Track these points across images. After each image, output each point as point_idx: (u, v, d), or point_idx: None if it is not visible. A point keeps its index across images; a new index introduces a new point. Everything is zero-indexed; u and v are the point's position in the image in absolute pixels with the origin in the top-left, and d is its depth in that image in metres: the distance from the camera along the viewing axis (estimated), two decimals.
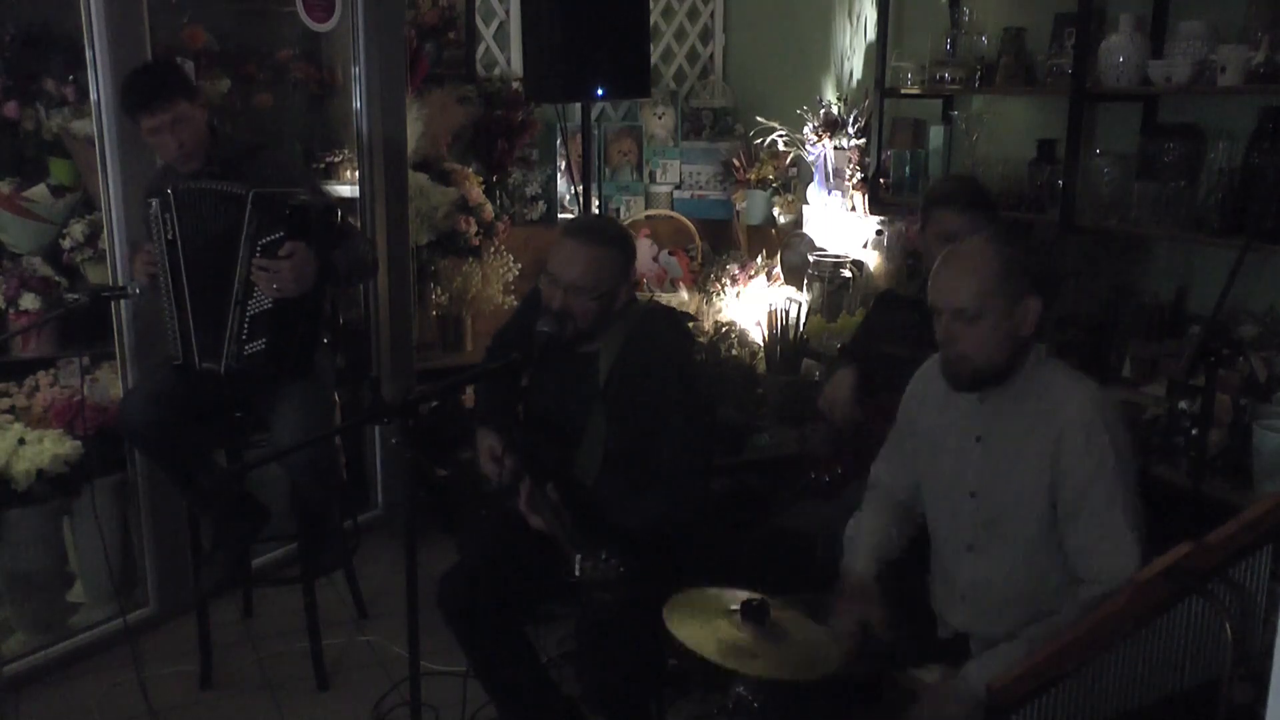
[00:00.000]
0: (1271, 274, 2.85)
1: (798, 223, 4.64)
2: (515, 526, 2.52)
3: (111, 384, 3.39)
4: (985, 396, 2.12)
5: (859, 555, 2.28)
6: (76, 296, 3.41)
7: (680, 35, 5.22)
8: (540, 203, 4.85)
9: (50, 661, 3.15)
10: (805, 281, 4.37)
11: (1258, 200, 2.66)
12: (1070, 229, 3.17)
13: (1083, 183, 3.16)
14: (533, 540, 2.42)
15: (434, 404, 3.72)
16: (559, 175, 4.87)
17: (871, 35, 4.21)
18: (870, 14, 4.26)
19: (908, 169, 3.94)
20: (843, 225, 4.38)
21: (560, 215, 4.91)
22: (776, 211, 4.77)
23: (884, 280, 4.17)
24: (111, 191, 3.13)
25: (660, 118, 5.11)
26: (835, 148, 4.37)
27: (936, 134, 3.92)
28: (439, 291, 4.36)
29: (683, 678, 2.69)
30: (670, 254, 4.92)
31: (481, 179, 4.49)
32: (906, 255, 4.02)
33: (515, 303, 4.36)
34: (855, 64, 4.44)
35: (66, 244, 3.44)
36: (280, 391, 2.97)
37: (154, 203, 2.87)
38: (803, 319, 4.17)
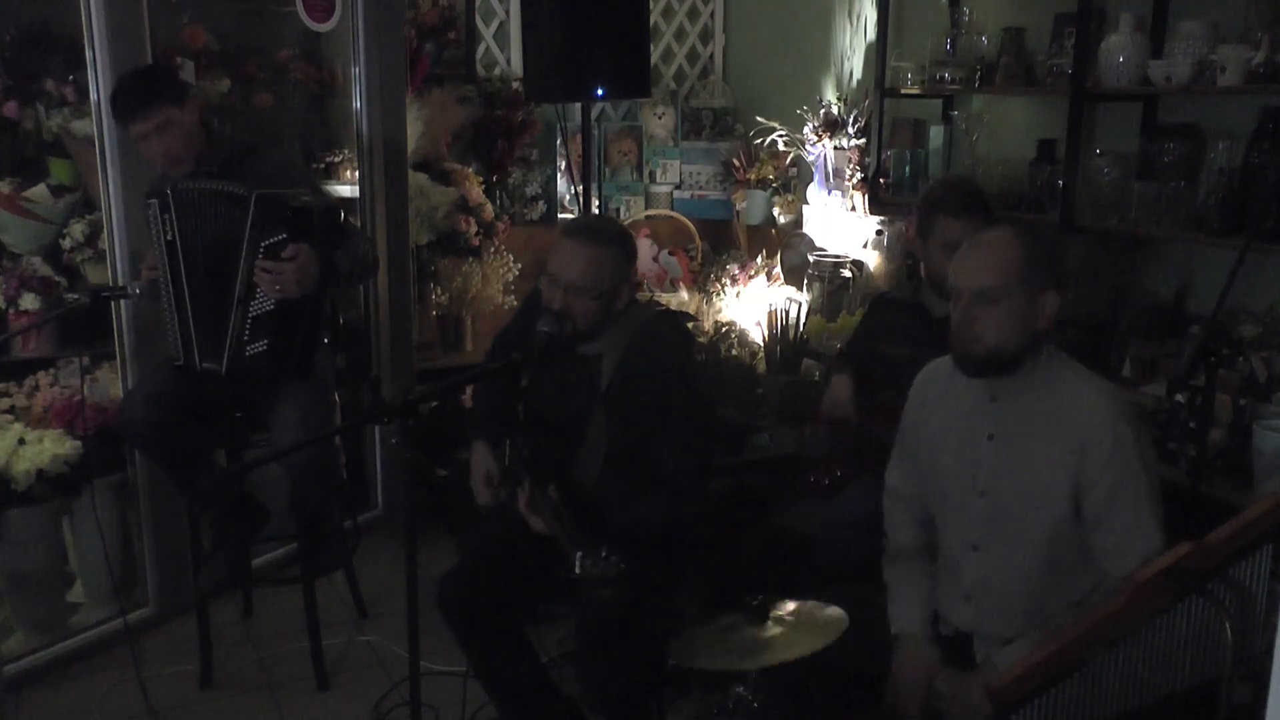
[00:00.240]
0: (1271, 274, 2.85)
1: (798, 223, 4.64)
2: (515, 526, 2.52)
3: (111, 384, 3.39)
4: (997, 394, 2.11)
5: (910, 614, 2.21)
6: (76, 296, 3.41)
7: (680, 35, 5.22)
8: (540, 203, 4.85)
9: (50, 661, 3.15)
10: (805, 281, 4.37)
11: (1258, 200, 2.66)
12: (1070, 229, 3.17)
13: (1083, 183, 3.16)
14: (533, 540, 2.42)
15: (434, 404, 3.72)
16: (559, 175, 4.87)
17: (871, 35, 4.21)
18: (870, 14, 4.26)
19: (908, 169, 3.94)
20: (843, 225, 4.38)
21: (560, 215, 4.91)
22: (776, 211, 4.77)
23: (884, 280, 4.17)
24: (111, 191, 3.13)
25: (660, 118, 5.11)
26: (835, 148, 4.37)
27: (936, 134, 3.92)
28: (439, 291, 4.36)
29: (683, 678, 2.69)
30: (670, 254, 4.92)
31: (481, 179, 4.49)
32: (906, 255, 4.02)
33: (515, 303, 4.36)
34: (855, 64, 4.44)
35: (66, 244, 3.44)
36: (280, 392, 2.97)
37: (153, 203, 2.87)
38: (803, 319, 4.17)
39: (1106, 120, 3.29)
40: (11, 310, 3.41)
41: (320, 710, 3.03)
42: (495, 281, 4.38)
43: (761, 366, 4.27)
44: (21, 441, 3.14)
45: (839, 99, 4.46)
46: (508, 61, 4.84)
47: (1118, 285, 3.21)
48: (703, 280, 4.74)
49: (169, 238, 2.88)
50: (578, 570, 2.09)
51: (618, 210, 5.05)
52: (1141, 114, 3.15)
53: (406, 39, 4.10)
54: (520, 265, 4.46)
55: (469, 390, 3.22)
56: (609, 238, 2.43)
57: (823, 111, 4.41)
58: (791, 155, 4.65)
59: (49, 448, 3.14)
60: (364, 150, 3.87)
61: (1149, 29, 3.03)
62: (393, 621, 3.44)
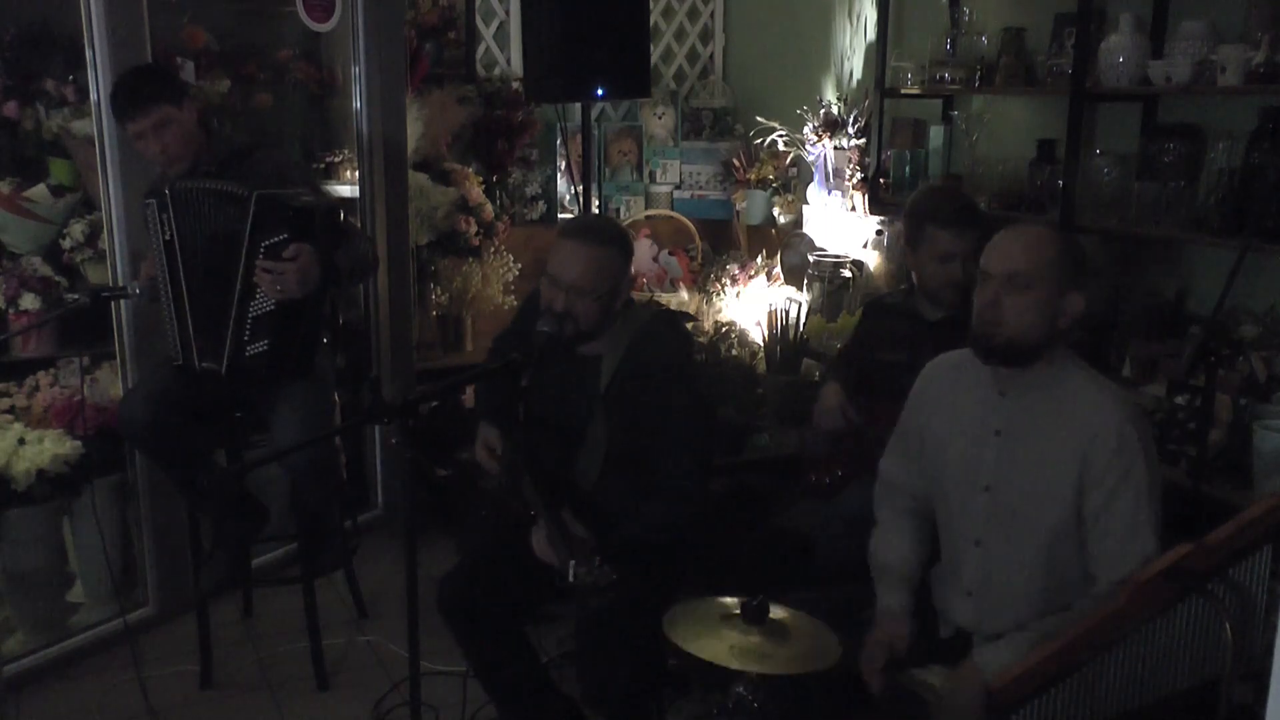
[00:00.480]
0: (1271, 274, 2.85)
1: (798, 223, 4.64)
2: (515, 527, 2.52)
3: (111, 384, 3.39)
4: (1006, 389, 2.11)
5: (891, 588, 2.24)
6: (76, 296, 3.41)
7: (680, 35, 5.22)
8: (540, 203, 4.85)
9: (50, 661, 3.15)
10: (805, 281, 4.37)
11: (1258, 200, 2.66)
12: (1070, 229, 3.16)
13: (1083, 183, 3.16)
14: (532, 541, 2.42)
15: (434, 404, 3.72)
16: (559, 175, 4.87)
17: (871, 35, 4.21)
18: (870, 14, 4.26)
19: (908, 169, 3.94)
20: (843, 225, 4.38)
21: (560, 215, 4.91)
22: (776, 211, 4.77)
23: (884, 280, 4.17)
24: (111, 191, 3.14)
25: (660, 118, 5.11)
26: (835, 148, 4.37)
27: (936, 134, 3.92)
28: (439, 291, 4.36)
29: (683, 678, 2.69)
30: (670, 254, 4.92)
31: (481, 179, 4.49)
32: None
33: (515, 303, 4.36)
34: (855, 64, 4.44)
35: (66, 244, 3.44)
36: (280, 392, 2.97)
37: (151, 203, 2.87)
38: (803, 319, 4.17)
39: (1106, 120, 3.29)
40: (11, 310, 3.41)
41: (320, 710, 3.03)
42: (495, 281, 4.39)
43: (761, 366, 4.27)
44: (21, 441, 3.14)
45: (839, 99, 4.46)
46: (508, 61, 4.84)
47: (1117, 285, 3.21)
48: (703, 280, 4.74)
49: (167, 237, 2.88)
50: (571, 578, 2.10)
51: (618, 210, 5.05)
52: (1141, 114, 3.15)
53: (406, 39, 4.10)
54: (520, 265, 4.46)
55: (469, 390, 3.23)
56: (608, 238, 2.43)
57: (823, 111, 4.41)
58: (791, 155, 4.65)
59: (49, 448, 3.14)
60: (364, 150, 3.87)
61: (1149, 29, 3.03)
62: (393, 621, 3.44)
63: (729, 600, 2.03)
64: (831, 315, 4.21)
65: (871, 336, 3.03)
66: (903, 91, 3.87)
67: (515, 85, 4.60)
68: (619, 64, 3.52)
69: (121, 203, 3.13)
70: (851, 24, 4.45)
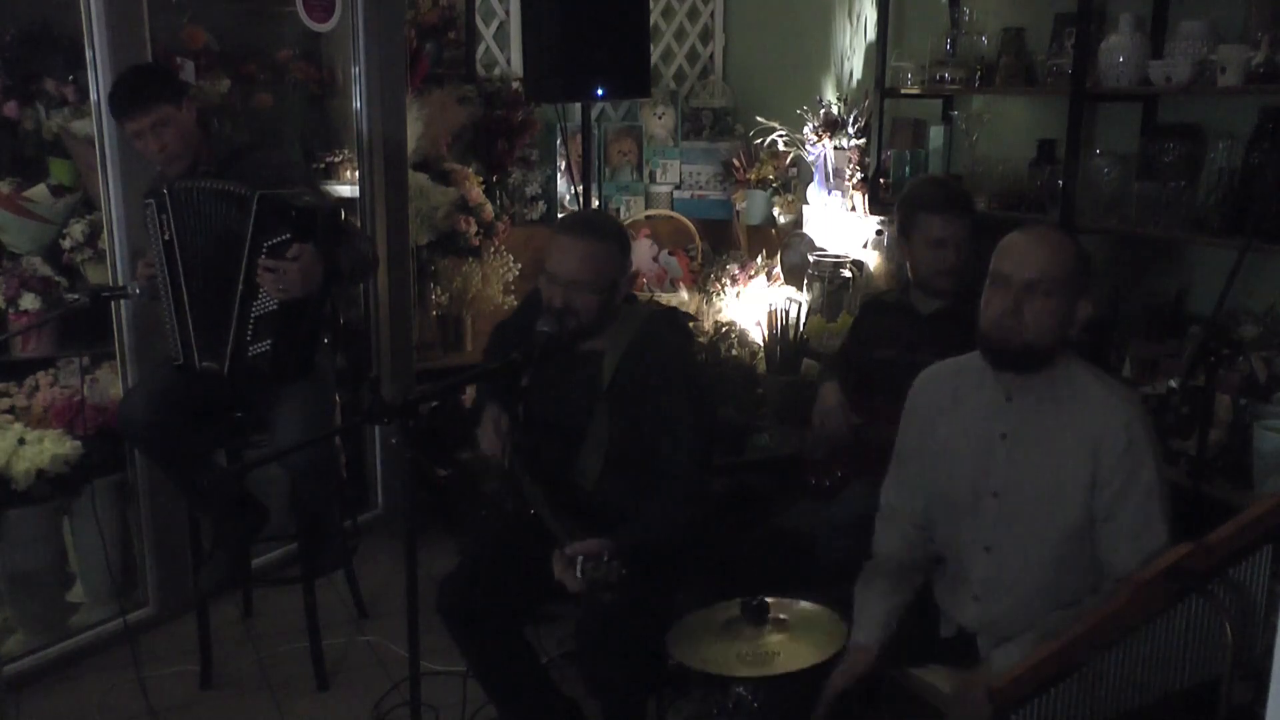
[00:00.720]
0: (1271, 274, 2.85)
1: (798, 223, 4.64)
2: (515, 527, 2.52)
3: (111, 384, 3.39)
4: (1013, 394, 2.11)
5: (865, 625, 2.18)
6: (76, 296, 3.41)
7: (680, 35, 5.22)
8: (540, 203, 4.85)
9: (50, 661, 3.15)
10: (805, 281, 4.37)
11: (1258, 200, 2.66)
12: (1070, 229, 3.16)
13: (1083, 183, 3.16)
14: (533, 541, 2.42)
15: (434, 404, 3.72)
16: (559, 175, 4.87)
17: (871, 35, 4.21)
18: (870, 14, 4.26)
19: (908, 169, 3.94)
20: (843, 225, 4.38)
21: (560, 215, 4.91)
22: (776, 211, 4.77)
23: (884, 280, 4.17)
24: (111, 191, 3.14)
25: (660, 118, 5.11)
26: (835, 148, 4.37)
27: (936, 134, 3.92)
28: (439, 291, 4.36)
29: (683, 678, 2.69)
30: (670, 254, 4.92)
31: (481, 179, 4.49)
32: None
33: (515, 303, 4.36)
34: (855, 64, 4.44)
35: (66, 244, 3.44)
36: (282, 392, 2.97)
37: (150, 203, 2.87)
38: (803, 319, 4.17)
39: (1106, 120, 3.29)
40: (11, 310, 3.41)
41: (320, 710, 3.03)
42: (495, 281, 4.38)
43: (761, 366, 4.27)
44: (21, 441, 3.14)
45: (839, 99, 4.46)
46: (508, 61, 4.84)
47: (1117, 285, 3.21)
48: (703, 280, 4.73)
49: (166, 238, 2.88)
50: (579, 575, 2.09)
51: (618, 210, 5.05)
52: (1141, 114, 3.15)
53: (406, 39, 4.10)
54: (520, 265, 4.46)
55: (469, 390, 3.23)
56: (604, 232, 2.43)
57: (823, 111, 4.41)
58: (791, 155, 4.65)
59: (49, 448, 3.14)
60: (364, 150, 3.87)
61: (1149, 29, 3.03)
62: (393, 621, 3.44)
63: (729, 605, 2.02)
64: (831, 315, 4.21)
65: (868, 334, 3.04)
66: (903, 91, 3.87)
67: (515, 85, 4.60)
68: (619, 64, 3.52)
69: (121, 203, 3.13)
70: (851, 24, 4.45)
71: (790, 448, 3.70)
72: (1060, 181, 3.19)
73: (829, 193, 4.43)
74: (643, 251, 4.83)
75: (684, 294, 4.69)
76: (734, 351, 4.40)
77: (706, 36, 5.27)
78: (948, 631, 2.24)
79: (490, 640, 2.44)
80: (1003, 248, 2.08)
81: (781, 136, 4.60)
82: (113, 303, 3.15)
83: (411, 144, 4.08)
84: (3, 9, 3.44)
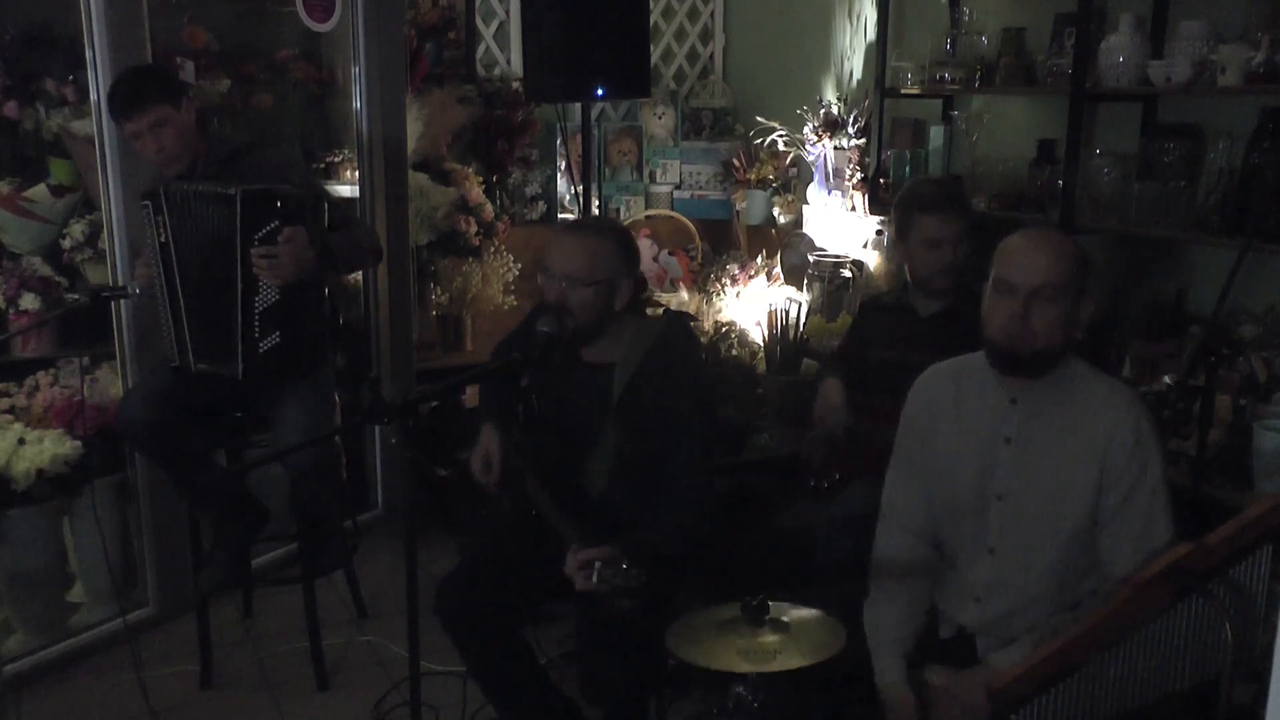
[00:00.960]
0: (1271, 274, 2.85)
1: (798, 223, 4.64)
2: (514, 528, 2.52)
3: (111, 384, 3.39)
4: (1018, 397, 2.10)
5: (886, 655, 2.19)
6: (76, 296, 3.41)
7: (680, 35, 5.22)
8: (540, 203, 4.85)
9: (50, 661, 3.15)
10: (805, 281, 4.37)
11: (1258, 200, 2.66)
12: (1070, 229, 3.16)
13: (1083, 183, 3.16)
14: (532, 542, 2.42)
15: (434, 404, 3.71)
16: (559, 175, 4.87)
17: (871, 35, 4.21)
18: (870, 14, 4.26)
19: (908, 169, 3.94)
20: (843, 225, 4.38)
21: (560, 215, 4.91)
22: (776, 211, 4.77)
23: (884, 280, 4.17)
24: (111, 191, 3.14)
25: (660, 118, 5.11)
26: (835, 148, 4.37)
27: (936, 134, 3.92)
28: (439, 291, 4.36)
29: (683, 678, 2.69)
30: (670, 254, 4.92)
31: (481, 179, 4.49)
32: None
33: (515, 303, 4.37)
34: (855, 64, 4.44)
35: (66, 244, 3.44)
36: (284, 391, 2.97)
37: (147, 205, 2.88)
38: (803, 319, 4.17)
39: (1106, 120, 3.29)
40: (11, 310, 3.41)
41: (320, 710, 3.03)
42: (495, 281, 4.38)
43: (761, 366, 4.27)
44: (21, 441, 3.14)
45: (839, 99, 4.46)
46: (508, 61, 4.84)
47: (1118, 285, 3.21)
48: (703, 280, 4.73)
49: (162, 239, 2.88)
50: (595, 580, 2.08)
51: (618, 210, 5.05)
52: (1141, 114, 3.15)
53: (406, 39, 4.10)
54: (520, 265, 4.46)
55: (469, 390, 3.22)
56: (603, 229, 2.43)
57: (823, 111, 4.41)
58: (791, 155, 4.65)
59: (49, 448, 3.14)
60: (364, 150, 3.87)
61: (1149, 29, 3.03)
62: (393, 621, 3.44)
63: (729, 605, 2.02)
64: (831, 315, 4.21)
65: (867, 335, 3.04)
66: (903, 91, 3.87)
67: (515, 85, 4.60)
68: (619, 64, 3.52)
69: (121, 203, 3.13)
70: (851, 24, 4.45)
71: (790, 448, 3.70)
72: (1060, 181, 3.19)
73: (829, 193, 4.43)
74: (643, 251, 4.82)
75: (684, 294, 4.69)
76: (734, 351, 4.40)
77: (706, 36, 5.27)
78: (948, 632, 2.24)
79: (489, 641, 2.44)
80: (1004, 253, 2.06)
81: (781, 136, 4.60)
82: (113, 303, 3.15)
83: (411, 144, 4.08)
84: (3, 9, 3.44)
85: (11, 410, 3.35)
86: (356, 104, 3.85)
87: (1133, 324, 3.10)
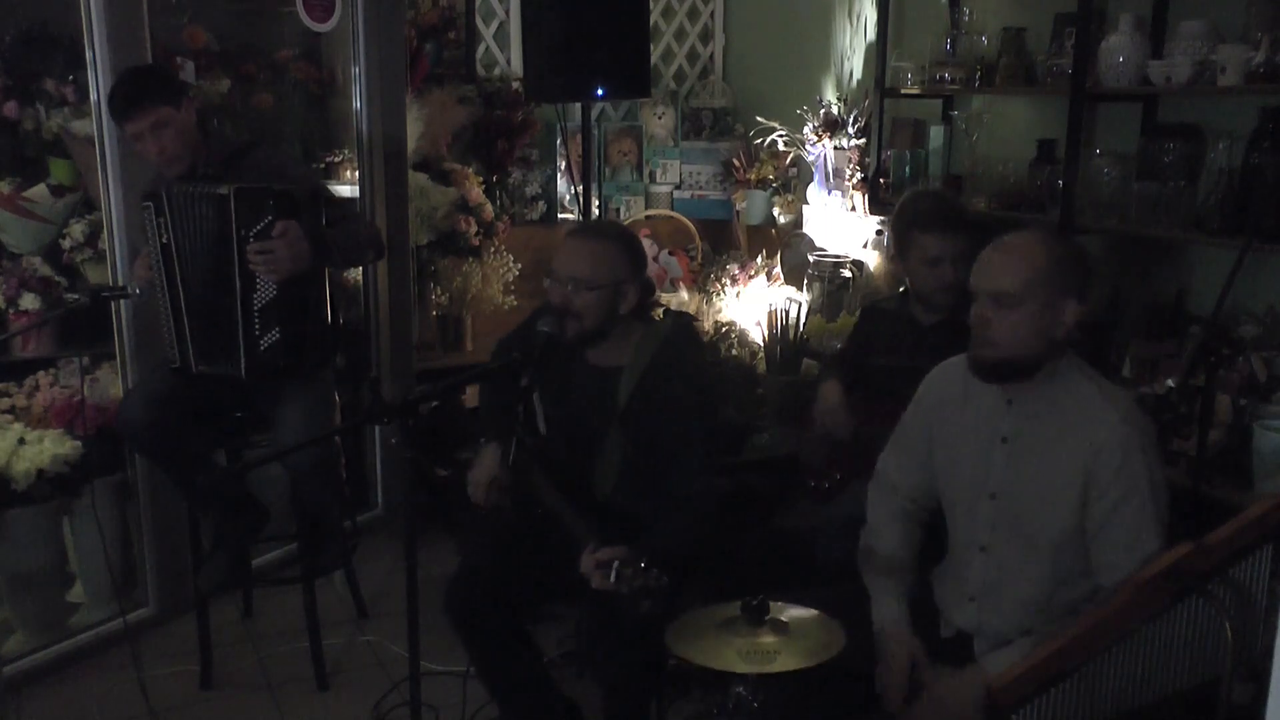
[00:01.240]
0: (1271, 274, 2.85)
1: (798, 223, 4.64)
2: (517, 527, 2.52)
3: (111, 384, 3.39)
4: (1014, 398, 2.11)
5: (887, 594, 2.21)
6: (76, 296, 3.41)
7: (680, 35, 5.22)
8: (540, 203, 4.86)
9: (50, 661, 3.15)
10: (805, 281, 4.37)
11: (1258, 200, 2.66)
12: (1070, 229, 3.16)
13: (1083, 183, 3.16)
14: (537, 541, 2.42)
15: (434, 404, 3.72)
16: (559, 175, 4.87)
17: (871, 35, 4.21)
18: (870, 14, 4.26)
19: (908, 169, 3.94)
20: (843, 225, 4.38)
21: (560, 215, 4.92)
22: (776, 211, 4.77)
23: (884, 280, 4.17)
24: (111, 191, 3.14)
25: (660, 118, 5.11)
26: (835, 148, 4.37)
27: (936, 134, 3.92)
28: (439, 291, 4.36)
29: (683, 678, 2.69)
30: (670, 254, 4.92)
31: (481, 179, 4.49)
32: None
33: (515, 303, 4.37)
34: (855, 64, 4.44)
35: (66, 244, 3.45)
36: (284, 391, 2.97)
37: (149, 206, 2.88)
38: (803, 319, 4.17)
39: (1106, 120, 3.29)
40: (11, 310, 3.41)
41: (320, 710, 3.03)
42: (495, 281, 4.38)
43: (761, 366, 4.27)
44: (21, 441, 3.14)
45: (839, 99, 4.46)
46: (508, 61, 4.84)
47: (1118, 285, 3.21)
48: (703, 280, 4.73)
49: (164, 241, 2.88)
50: (613, 580, 2.07)
51: (618, 210, 5.05)
52: (1141, 114, 3.15)
53: (406, 39, 4.10)
54: (520, 265, 4.46)
55: (469, 390, 3.22)
56: (610, 234, 2.43)
57: (823, 111, 4.41)
58: (791, 155, 4.65)
59: (49, 448, 3.14)
60: (364, 150, 3.88)
61: (1149, 29, 3.03)
62: (393, 621, 3.44)
63: (728, 605, 2.03)
64: (831, 315, 4.21)
65: (868, 340, 3.04)
66: (903, 91, 3.87)
67: (515, 85, 4.60)
68: (619, 64, 3.52)
69: (121, 203, 3.13)
70: (851, 24, 4.45)
71: (790, 448, 3.70)
72: (1060, 181, 3.19)
73: (829, 193, 4.43)
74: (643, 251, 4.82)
75: (684, 294, 4.69)
76: (734, 351, 4.40)
77: (706, 36, 5.27)
78: (947, 632, 2.24)
79: (497, 640, 2.44)
80: (976, 261, 2.09)
81: (781, 136, 4.60)
82: (113, 303, 3.15)
83: (411, 144, 4.08)
84: (3, 9, 3.44)
85: (11, 410, 3.35)
86: (356, 104, 3.85)
87: (1133, 324, 3.09)
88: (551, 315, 2.34)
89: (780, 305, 4.26)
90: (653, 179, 5.15)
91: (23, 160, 3.52)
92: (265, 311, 2.86)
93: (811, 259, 4.37)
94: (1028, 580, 2.10)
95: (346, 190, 4.00)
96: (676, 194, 5.14)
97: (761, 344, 4.30)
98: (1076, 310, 2.02)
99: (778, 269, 4.57)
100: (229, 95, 3.74)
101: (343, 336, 3.52)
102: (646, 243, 4.85)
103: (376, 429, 4.06)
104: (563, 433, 2.50)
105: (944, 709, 2.05)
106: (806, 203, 4.57)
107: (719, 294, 4.63)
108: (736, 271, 4.65)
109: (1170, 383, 2.26)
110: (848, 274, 4.26)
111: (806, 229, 4.55)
